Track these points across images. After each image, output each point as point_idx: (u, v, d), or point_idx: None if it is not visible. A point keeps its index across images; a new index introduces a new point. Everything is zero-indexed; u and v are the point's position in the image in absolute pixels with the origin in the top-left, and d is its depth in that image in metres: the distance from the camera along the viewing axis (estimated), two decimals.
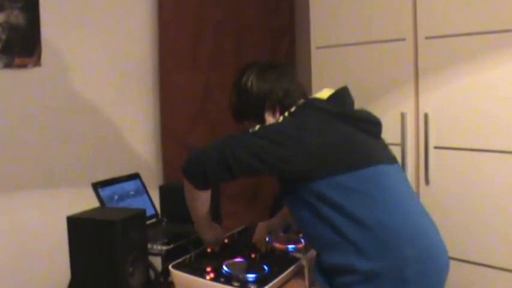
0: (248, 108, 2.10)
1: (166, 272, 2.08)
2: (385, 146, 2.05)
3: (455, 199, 2.42)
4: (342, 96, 2.04)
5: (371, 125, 2.03)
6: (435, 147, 2.47)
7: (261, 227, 2.30)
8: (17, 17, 2.49)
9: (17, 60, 2.51)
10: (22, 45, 2.52)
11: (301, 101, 2.06)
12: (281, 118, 2.01)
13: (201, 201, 2.05)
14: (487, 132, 2.32)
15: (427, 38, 2.48)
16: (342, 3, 2.79)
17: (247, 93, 2.08)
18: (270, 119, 2.07)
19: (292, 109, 2.03)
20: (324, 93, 2.03)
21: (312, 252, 2.19)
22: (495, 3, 2.26)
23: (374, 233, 1.81)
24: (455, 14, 2.38)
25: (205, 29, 3.28)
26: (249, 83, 2.08)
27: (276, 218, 2.35)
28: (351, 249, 1.83)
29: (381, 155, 1.98)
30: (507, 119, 2.26)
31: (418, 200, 2.01)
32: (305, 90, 2.14)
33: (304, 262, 2.09)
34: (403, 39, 2.55)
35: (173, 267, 2.02)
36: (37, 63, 2.58)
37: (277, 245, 2.28)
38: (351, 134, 1.94)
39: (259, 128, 1.93)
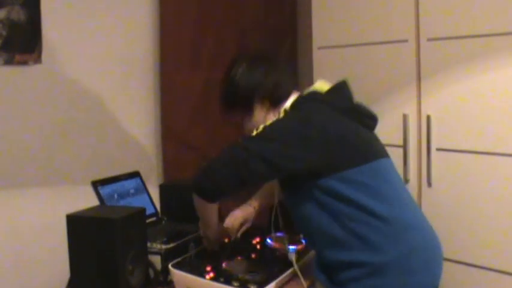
0: (236, 100, 2.09)
1: (165, 271, 2.09)
2: (378, 139, 2.09)
3: (458, 201, 2.41)
4: (342, 89, 2.05)
5: (369, 119, 2.06)
6: (437, 149, 2.46)
7: (235, 215, 2.29)
8: (17, 13, 2.49)
9: (18, 57, 2.50)
10: (23, 41, 2.51)
11: (296, 94, 2.06)
12: (282, 113, 1.99)
13: (212, 210, 2.07)
14: (490, 135, 2.31)
15: (429, 39, 2.47)
16: (344, 4, 2.78)
17: (234, 87, 2.07)
18: (258, 111, 2.06)
19: (289, 103, 2.02)
20: (321, 86, 2.03)
21: (308, 257, 2.20)
22: (498, 6, 2.26)
23: (385, 225, 1.85)
24: (458, 15, 2.38)
25: (206, 28, 3.28)
26: (238, 76, 2.07)
27: (249, 207, 2.33)
28: (358, 244, 1.85)
29: (380, 148, 2.03)
30: (510, 122, 2.25)
31: (410, 193, 2.07)
32: (297, 81, 2.16)
33: (296, 268, 2.09)
34: (405, 41, 2.54)
35: (173, 266, 2.04)
36: (38, 60, 2.57)
37: (277, 246, 2.28)
38: (354, 128, 1.96)
39: (263, 130, 1.89)
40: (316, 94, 2.01)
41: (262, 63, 2.09)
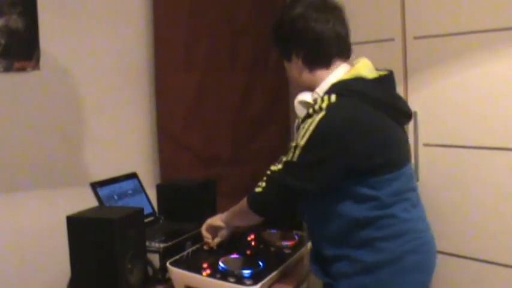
0: (281, 38, 2.01)
1: (164, 269, 2.11)
2: (406, 136, 2.06)
3: (445, 195, 2.44)
4: (387, 83, 1.96)
5: (405, 118, 2.02)
6: (424, 145, 2.50)
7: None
8: (16, 21, 2.51)
9: (16, 64, 2.52)
10: (21, 49, 2.53)
11: (340, 66, 1.93)
12: (320, 100, 1.84)
13: (255, 220, 2.09)
14: (475, 130, 2.35)
15: (415, 38, 2.51)
16: None
17: (282, 24, 1.98)
18: (295, 63, 1.97)
19: (328, 83, 1.90)
20: (366, 71, 1.90)
21: (301, 252, 2.26)
22: (482, 3, 2.29)
23: (391, 228, 1.86)
24: (443, 14, 2.41)
25: (200, 30, 3.30)
26: (286, 18, 1.96)
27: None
28: (361, 244, 1.87)
29: (407, 152, 2.00)
30: (494, 117, 2.29)
31: (419, 194, 2.06)
32: (345, 47, 1.96)
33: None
34: (392, 40, 2.58)
35: (171, 264, 2.06)
36: (36, 66, 2.59)
37: (271, 242, 2.33)
38: (393, 130, 1.91)
39: (304, 148, 1.80)
40: (360, 84, 1.86)
41: (316, 13, 1.91)
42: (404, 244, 1.87)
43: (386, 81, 1.95)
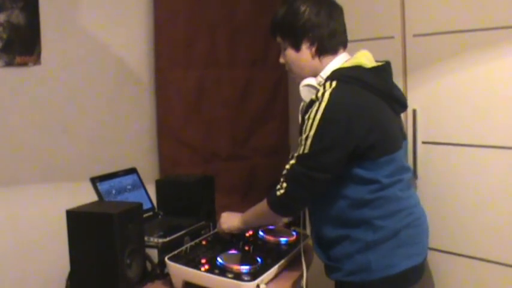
0: (290, 29, 2.07)
1: (162, 264, 2.12)
2: (401, 123, 2.18)
3: (443, 193, 2.44)
4: (385, 72, 2.10)
5: (401, 107, 2.16)
6: (423, 142, 2.50)
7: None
8: (17, 17, 2.54)
9: (18, 59, 2.55)
10: (22, 44, 2.57)
11: (342, 55, 2.08)
12: (325, 86, 1.96)
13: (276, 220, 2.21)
14: (474, 128, 2.34)
15: (415, 35, 2.50)
16: None
17: (296, 16, 2.04)
18: (305, 52, 2.07)
19: (332, 67, 2.04)
20: (365, 60, 2.04)
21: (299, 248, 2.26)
22: (482, 2, 2.29)
23: (389, 206, 1.98)
24: (443, 12, 2.40)
25: (199, 27, 3.32)
26: (303, 8, 2.04)
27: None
28: (361, 223, 1.97)
29: (400, 137, 2.12)
30: (493, 115, 2.28)
31: (411, 174, 2.19)
32: (346, 38, 2.13)
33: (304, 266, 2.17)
34: (392, 37, 2.57)
35: (169, 259, 2.07)
36: (37, 61, 2.62)
37: (269, 238, 2.34)
38: (389, 116, 2.04)
39: (313, 139, 1.90)
40: (359, 71, 2.00)
41: (328, 8, 2.06)
42: (401, 221, 2.00)
43: (383, 70, 2.08)
